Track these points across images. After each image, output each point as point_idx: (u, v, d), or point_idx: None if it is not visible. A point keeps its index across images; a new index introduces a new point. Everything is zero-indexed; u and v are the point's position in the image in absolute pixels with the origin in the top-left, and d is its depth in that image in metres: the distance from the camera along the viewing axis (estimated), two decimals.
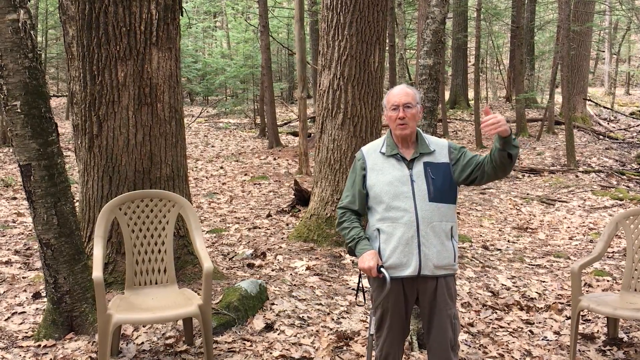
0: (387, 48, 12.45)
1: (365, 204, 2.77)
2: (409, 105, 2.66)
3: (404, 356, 3.32)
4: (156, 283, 3.67)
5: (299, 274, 4.99)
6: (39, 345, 3.49)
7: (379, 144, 2.80)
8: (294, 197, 7.81)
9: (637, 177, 10.34)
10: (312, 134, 12.90)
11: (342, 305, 4.34)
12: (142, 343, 3.60)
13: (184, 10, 4.64)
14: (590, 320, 4.31)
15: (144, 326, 3.77)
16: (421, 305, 2.77)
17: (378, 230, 2.70)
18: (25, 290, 4.38)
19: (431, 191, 2.66)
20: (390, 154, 2.72)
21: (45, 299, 3.94)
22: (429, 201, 2.65)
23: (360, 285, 2.94)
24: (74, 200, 3.68)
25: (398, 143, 2.74)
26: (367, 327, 3.96)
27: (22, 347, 3.50)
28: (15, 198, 8.20)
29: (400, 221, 2.64)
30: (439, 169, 2.70)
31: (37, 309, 4.04)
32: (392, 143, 2.74)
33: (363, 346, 3.69)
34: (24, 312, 4.00)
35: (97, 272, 3.13)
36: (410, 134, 2.70)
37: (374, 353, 2.82)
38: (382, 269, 2.62)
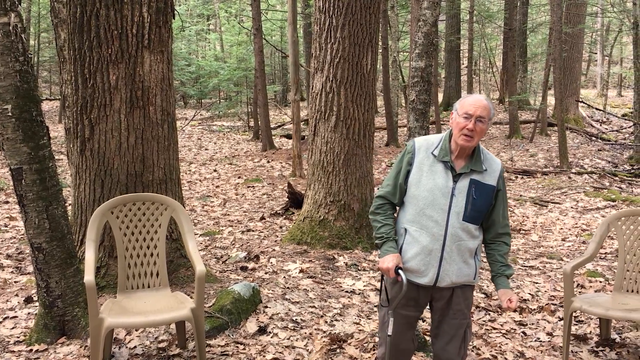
0: (380, 50, 12.49)
1: (403, 197, 2.70)
2: (481, 119, 2.54)
3: None
4: (149, 286, 3.66)
5: (293, 277, 4.98)
6: (31, 350, 3.47)
7: (433, 143, 2.67)
8: (287, 199, 7.80)
9: (630, 178, 10.39)
10: (306, 137, 12.89)
11: (335, 308, 4.34)
12: (135, 347, 3.59)
13: (176, 13, 4.63)
14: (582, 321, 4.32)
15: (136, 330, 3.76)
16: (433, 310, 2.76)
17: (405, 230, 2.66)
18: (17, 295, 4.36)
19: (468, 210, 2.58)
20: (442, 159, 2.61)
21: (37, 303, 3.92)
22: (462, 219, 2.58)
23: (383, 285, 2.83)
24: (66, 204, 3.67)
25: (454, 151, 2.62)
26: (360, 330, 3.97)
27: (13, 351, 3.48)
28: (7, 202, 8.16)
29: (429, 230, 2.59)
30: (484, 190, 2.60)
31: (29, 313, 4.02)
32: (447, 148, 2.62)
33: (356, 349, 3.69)
34: (16, 316, 3.98)
35: (89, 276, 3.12)
36: (472, 147, 2.59)
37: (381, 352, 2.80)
38: (399, 271, 2.59)
